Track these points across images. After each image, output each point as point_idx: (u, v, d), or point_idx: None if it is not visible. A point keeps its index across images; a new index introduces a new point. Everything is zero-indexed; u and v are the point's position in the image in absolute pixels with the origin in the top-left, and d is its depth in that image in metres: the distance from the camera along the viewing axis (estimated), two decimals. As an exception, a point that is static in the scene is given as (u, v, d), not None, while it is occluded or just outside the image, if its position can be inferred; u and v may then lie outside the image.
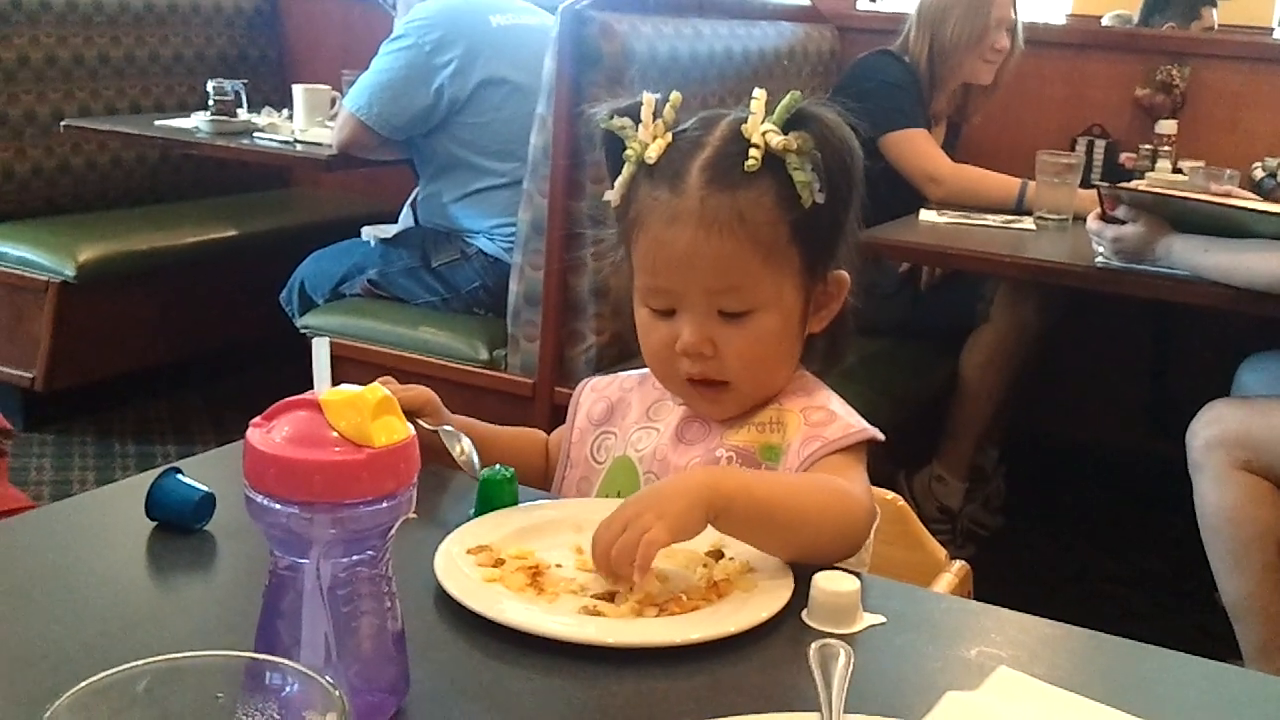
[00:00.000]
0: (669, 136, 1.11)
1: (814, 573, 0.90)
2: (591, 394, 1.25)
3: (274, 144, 3.12)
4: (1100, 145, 3.30)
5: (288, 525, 0.67)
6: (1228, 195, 2.39)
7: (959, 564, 1.17)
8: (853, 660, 0.76)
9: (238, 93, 3.22)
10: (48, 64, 3.54)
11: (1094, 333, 3.26)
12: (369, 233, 3.07)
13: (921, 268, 3.00)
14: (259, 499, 0.67)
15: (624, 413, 1.22)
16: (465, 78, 2.84)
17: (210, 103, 3.19)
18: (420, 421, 1.11)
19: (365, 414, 0.67)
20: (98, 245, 3.31)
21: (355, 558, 0.69)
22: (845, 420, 1.11)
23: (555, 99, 2.54)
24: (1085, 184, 2.78)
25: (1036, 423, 3.28)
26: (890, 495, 1.20)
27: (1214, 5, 4.18)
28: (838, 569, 0.93)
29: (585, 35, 2.52)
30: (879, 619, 0.89)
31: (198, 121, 3.23)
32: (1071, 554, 3.06)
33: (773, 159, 1.07)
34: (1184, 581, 2.67)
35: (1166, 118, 3.26)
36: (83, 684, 0.51)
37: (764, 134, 1.07)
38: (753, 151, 1.06)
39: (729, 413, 1.14)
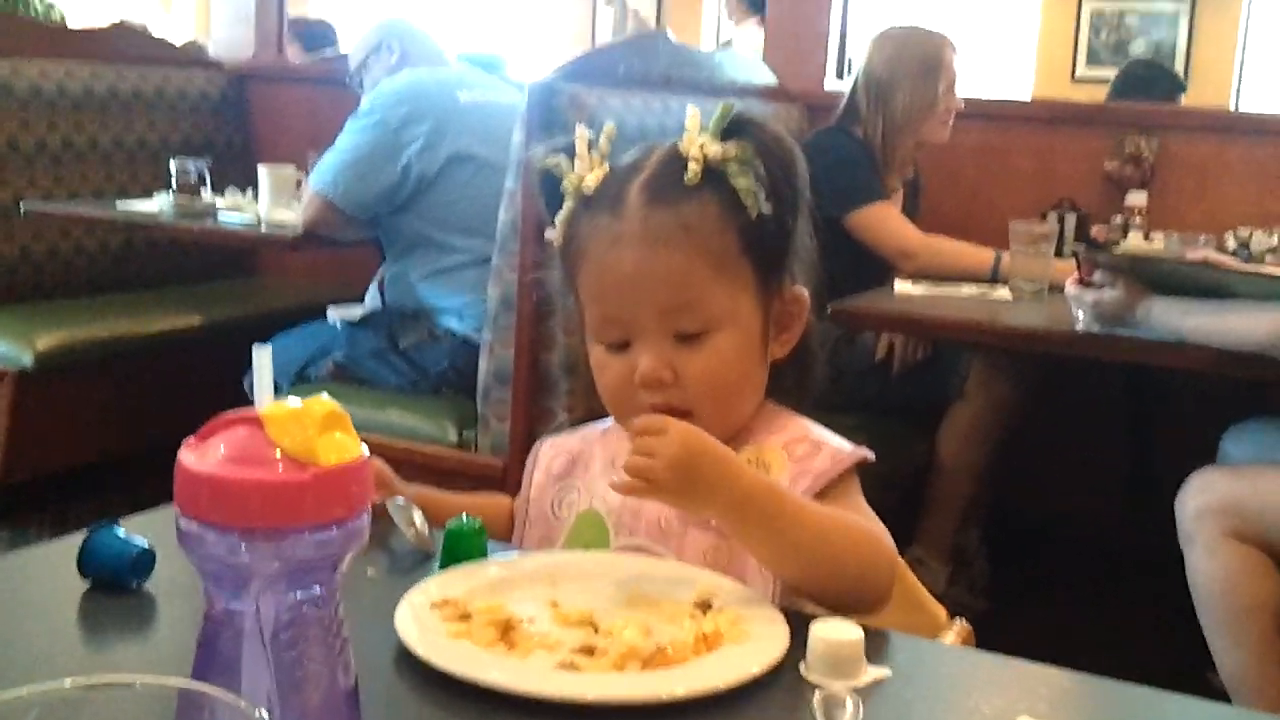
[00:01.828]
0: (605, 167, 1.07)
1: (810, 622, 0.82)
2: (550, 450, 1.19)
3: (238, 224, 3.07)
4: (1071, 218, 3.29)
5: (223, 557, 0.59)
6: (1204, 261, 2.37)
7: (960, 623, 1.09)
8: (861, 710, 0.69)
9: (201, 174, 3.17)
10: (10, 149, 3.48)
11: (1072, 406, 3.21)
12: (334, 314, 3.00)
13: (893, 353, 2.95)
14: (191, 527, 0.59)
15: (586, 465, 1.15)
16: (433, 154, 2.80)
17: (172, 182, 3.13)
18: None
19: (311, 429, 0.60)
20: (57, 333, 3.22)
21: (300, 595, 0.61)
22: (832, 446, 1.06)
23: (524, 174, 2.51)
24: (1058, 255, 2.76)
25: (1017, 500, 3.22)
26: (884, 551, 1.13)
27: (1182, 92, 4.25)
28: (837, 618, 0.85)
29: (554, 107, 2.49)
30: (884, 671, 0.81)
31: (160, 203, 3.17)
32: (1060, 637, 2.97)
33: (713, 171, 1.03)
34: (1178, 660, 2.59)
35: (1136, 189, 3.26)
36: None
37: (701, 146, 1.03)
38: (691, 165, 1.03)
39: None
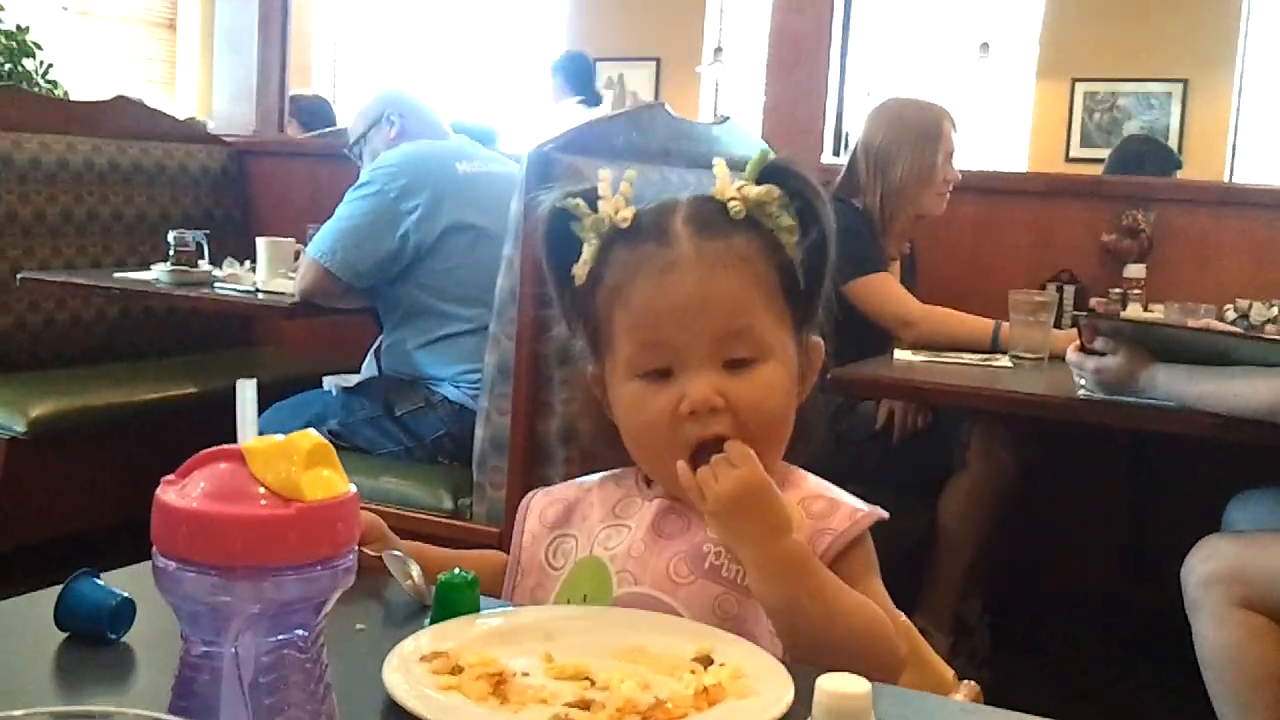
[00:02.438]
0: (631, 209, 1.06)
1: (816, 677, 0.79)
2: (544, 499, 1.16)
3: (235, 293, 3.06)
4: (1070, 290, 3.29)
5: (202, 597, 0.56)
6: (1206, 329, 2.36)
7: (968, 684, 1.06)
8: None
9: (199, 244, 3.17)
10: (9, 220, 3.48)
11: (1074, 475, 3.19)
12: (330, 382, 2.98)
13: (893, 421, 2.93)
14: (168, 565, 0.57)
15: (584, 514, 1.12)
16: (431, 224, 2.81)
17: (171, 253, 3.14)
18: (365, 549, 1.04)
19: (296, 463, 0.58)
20: (51, 401, 3.19)
21: (282, 638, 0.58)
22: (849, 505, 1.04)
23: (521, 241, 2.50)
24: (1057, 327, 2.75)
25: (1020, 570, 3.18)
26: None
27: (1178, 169, 4.28)
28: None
29: (551, 177, 2.49)
30: (891, 727, 0.78)
31: (157, 273, 3.17)
32: (1064, 708, 2.91)
33: (750, 215, 1.04)
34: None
35: (1134, 262, 3.26)
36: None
37: (739, 188, 1.03)
38: (734, 204, 1.03)
39: None
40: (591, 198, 1.07)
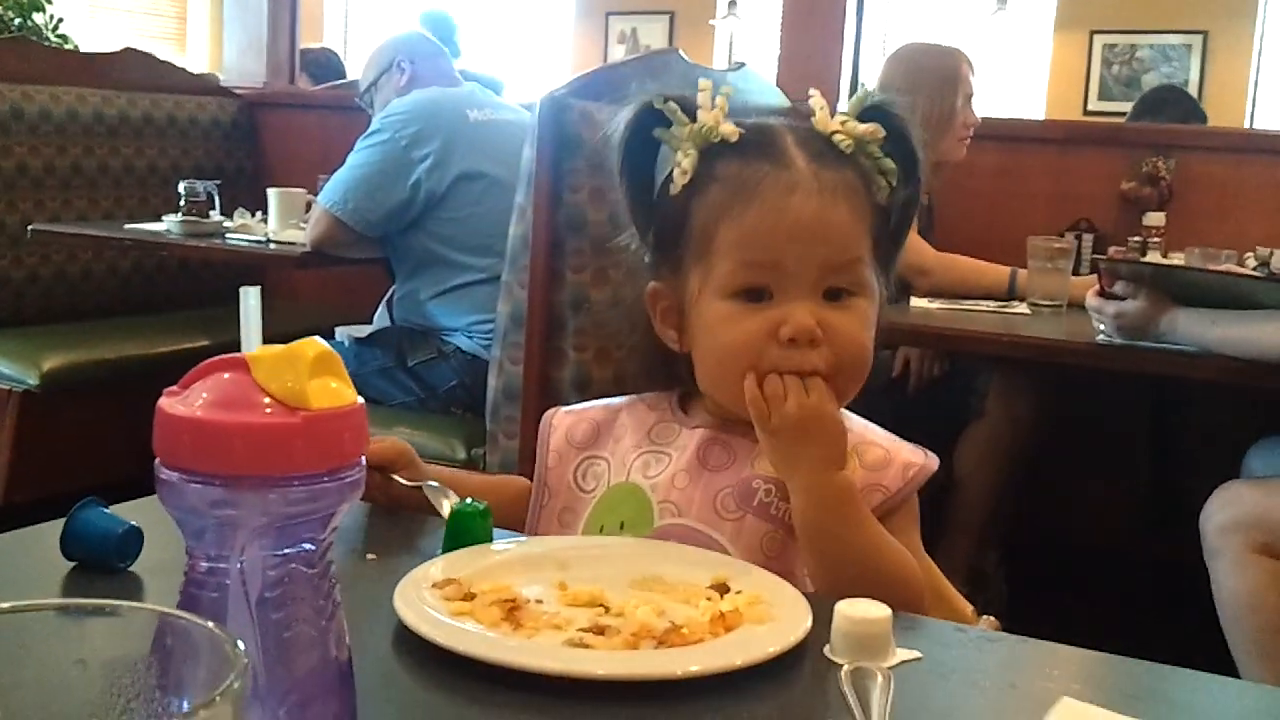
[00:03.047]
0: (734, 124, 1.03)
1: (835, 602, 0.78)
2: (568, 416, 1.13)
3: (247, 243, 3.04)
4: (1088, 239, 3.25)
5: (206, 509, 0.55)
6: (1228, 272, 2.32)
7: (987, 618, 1.05)
8: (893, 686, 0.64)
9: (210, 194, 3.15)
10: (19, 173, 3.47)
11: (1092, 423, 3.17)
12: (343, 333, 2.97)
13: (909, 369, 2.90)
14: (171, 477, 0.55)
15: (615, 435, 1.09)
16: (442, 172, 2.78)
17: (182, 203, 3.12)
18: (398, 478, 1.04)
19: (302, 372, 0.56)
20: (63, 354, 3.19)
21: (288, 551, 0.57)
22: (904, 459, 1.03)
23: (535, 188, 2.47)
24: (1075, 275, 2.71)
25: (1037, 519, 3.16)
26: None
27: (1202, 120, 4.21)
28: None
29: (565, 122, 2.45)
30: (914, 654, 0.76)
31: (168, 223, 3.15)
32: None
33: (853, 152, 1.03)
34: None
35: (1154, 210, 3.22)
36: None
37: (844, 123, 1.02)
38: (839, 137, 1.02)
39: None
40: (688, 105, 1.04)
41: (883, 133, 1.03)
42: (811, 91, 1.05)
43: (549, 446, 1.12)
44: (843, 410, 1.06)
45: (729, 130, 1.01)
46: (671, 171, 1.04)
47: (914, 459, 1.04)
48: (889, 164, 1.03)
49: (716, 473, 1.03)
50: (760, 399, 0.97)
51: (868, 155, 1.03)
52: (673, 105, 1.03)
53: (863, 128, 1.02)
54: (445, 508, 0.99)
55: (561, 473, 1.09)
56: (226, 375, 0.57)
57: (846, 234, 1.01)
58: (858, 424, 1.07)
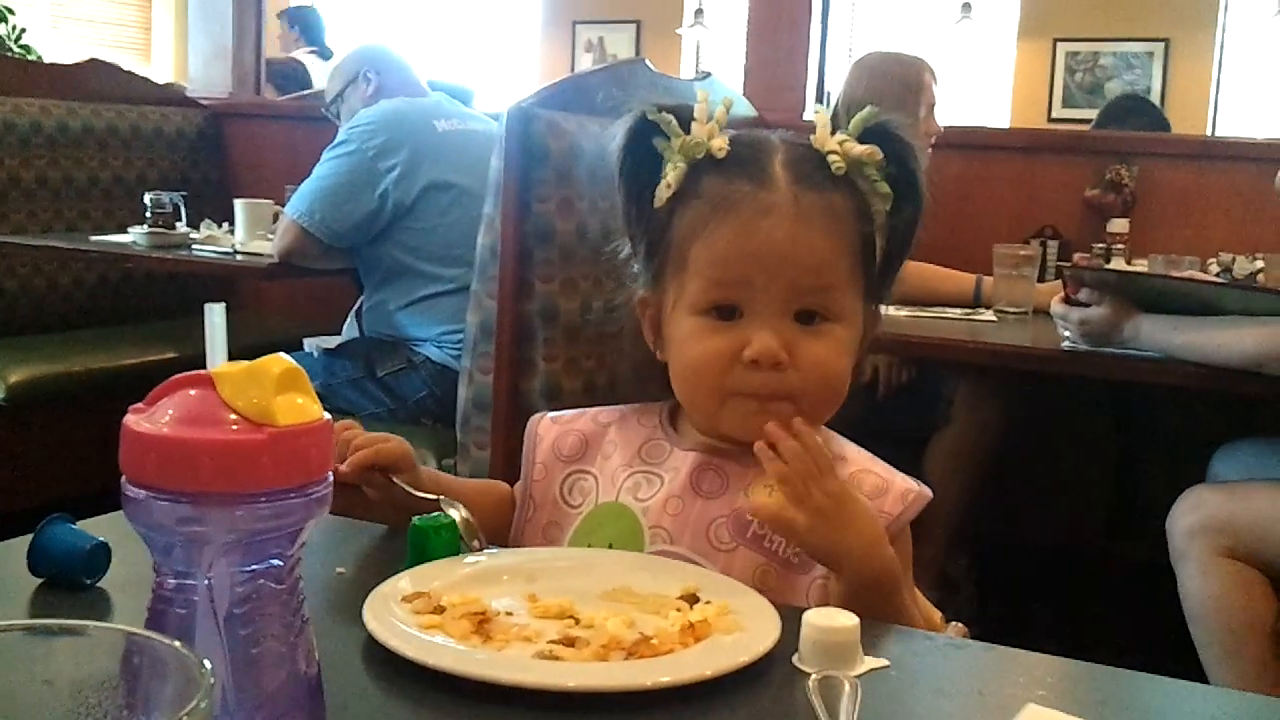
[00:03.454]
0: (725, 137, 1.02)
1: (803, 612, 0.78)
2: (555, 426, 1.11)
3: (213, 254, 3.03)
4: (1053, 246, 3.28)
5: (173, 526, 0.55)
6: (1191, 279, 2.35)
7: (955, 625, 1.05)
8: (860, 695, 0.65)
9: (176, 206, 3.14)
10: (-19, 185, 3.44)
11: (1058, 429, 3.19)
12: (311, 344, 2.96)
13: (879, 375, 2.91)
14: (138, 494, 0.55)
15: (604, 451, 1.08)
16: (410, 182, 2.78)
17: (148, 215, 3.10)
18: (410, 489, 1.00)
19: (267, 388, 0.56)
20: (28, 367, 3.16)
21: (256, 567, 0.57)
22: (900, 486, 1.03)
23: (503, 198, 2.48)
24: (1040, 282, 2.74)
25: (1005, 525, 3.18)
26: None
27: (1166, 129, 4.26)
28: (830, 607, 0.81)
29: (532, 132, 2.45)
30: (882, 662, 0.77)
31: (134, 235, 3.13)
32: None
33: (847, 173, 1.01)
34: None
35: (1118, 217, 3.25)
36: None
37: (841, 143, 1.01)
38: (833, 157, 1.00)
39: None
40: (685, 116, 1.03)
41: (880, 155, 1.01)
42: (817, 107, 1.05)
43: (535, 458, 1.10)
44: (840, 439, 1.06)
45: (717, 145, 1.01)
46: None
47: (910, 485, 1.04)
48: (884, 188, 1.02)
49: (710, 500, 1.02)
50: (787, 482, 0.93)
51: (864, 177, 1.02)
52: (666, 116, 1.03)
53: (860, 149, 1.01)
54: (458, 519, 0.96)
55: (547, 486, 1.08)
56: (192, 392, 0.57)
57: (821, 259, 0.99)
58: (852, 451, 1.06)
